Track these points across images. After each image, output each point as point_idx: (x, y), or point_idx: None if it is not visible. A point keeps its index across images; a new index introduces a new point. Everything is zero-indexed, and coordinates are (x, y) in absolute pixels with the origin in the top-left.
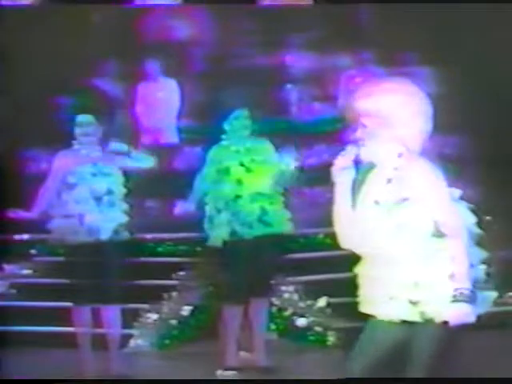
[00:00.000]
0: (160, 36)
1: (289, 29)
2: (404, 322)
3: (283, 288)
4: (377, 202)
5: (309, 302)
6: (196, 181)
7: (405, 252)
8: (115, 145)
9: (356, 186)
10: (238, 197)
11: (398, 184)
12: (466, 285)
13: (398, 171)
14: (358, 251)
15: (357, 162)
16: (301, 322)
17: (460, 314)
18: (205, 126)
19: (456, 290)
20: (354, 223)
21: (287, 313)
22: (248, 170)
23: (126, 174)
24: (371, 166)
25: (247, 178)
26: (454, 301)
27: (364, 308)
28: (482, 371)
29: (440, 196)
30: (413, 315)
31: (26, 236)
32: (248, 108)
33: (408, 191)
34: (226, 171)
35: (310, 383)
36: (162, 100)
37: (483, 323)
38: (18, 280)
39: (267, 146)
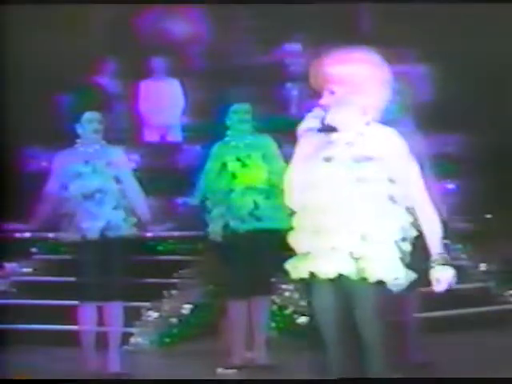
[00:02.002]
0: (163, 34)
1: (289, 27)
2: (342, 282)
3: (284, 286)
4: (327, 159)
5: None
6: (199, 178)
7: (356, 207)
8: None
9: (315, 147)
10: (231, 190)
11: (358, 147)
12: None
13: (362, 137)
14: (302, 205)
15: (321, 126)
16: (301, 320)
17: (447, 277)
18: (208, 124)
19: (438, 254)
20: (304, 178)
21: (288, 311)
22: (243, 164)
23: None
24: (333, 130)
25: (241, 172)
26: (440, 264)
27: (301, 266)
28: (482, 370)
29: (402, 166)
30: (351, 270)
31: (26, 234)
32: (247, 102)
33: (371, 152)
34: (224, 166)
35: (310, 383)
36: (167, 98)
37: (484, 321)
38: (18, 278)
39: (269, 142)
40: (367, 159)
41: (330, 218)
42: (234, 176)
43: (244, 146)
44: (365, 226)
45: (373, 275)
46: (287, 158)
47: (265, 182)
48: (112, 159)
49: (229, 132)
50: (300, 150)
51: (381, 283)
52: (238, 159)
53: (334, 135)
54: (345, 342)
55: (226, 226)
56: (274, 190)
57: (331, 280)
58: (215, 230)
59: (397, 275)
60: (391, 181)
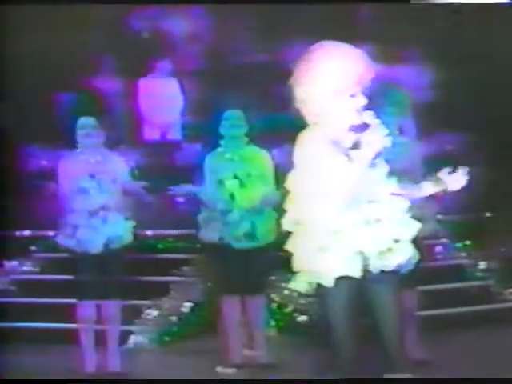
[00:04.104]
0: (163, 33)
1: (289, 26)
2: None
3: (283, 284)
4: (347, 158)
5: (309, 299)
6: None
7: (379, 201)
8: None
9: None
10: (228, 211)
11: (371, 143)
12: None
13: (371, 133)
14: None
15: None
16: (301, 318)
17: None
18: (207, 123)
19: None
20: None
21: (287, 309)
22: (241, 183)
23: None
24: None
25: (240, 193)
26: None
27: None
28: (482, 369)
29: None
30: (375, 264)
31: (26, 232)
32: (241, 108)
33: (381, 146)
34: (220, 183)
35: (310, 383)
36: (166, 97)
37: (483, 319)
38: (17, 276)
39: (263, 157)
40: (380, 154)
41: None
42: (232, 197)
43: (239, 160)
44: (389, 218)
45: (393, 262)
46: (288, 158)
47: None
48: (118, 175)
49: (222, 142)
50: (311, 153)
51: (396, 270)
52: (236, 177)
53: (343, 135)
54: (355, 341)
55: (221, 239)
56: (269, 209)
57: (350, 278)
58: (210, 239)
59: (410, 257)
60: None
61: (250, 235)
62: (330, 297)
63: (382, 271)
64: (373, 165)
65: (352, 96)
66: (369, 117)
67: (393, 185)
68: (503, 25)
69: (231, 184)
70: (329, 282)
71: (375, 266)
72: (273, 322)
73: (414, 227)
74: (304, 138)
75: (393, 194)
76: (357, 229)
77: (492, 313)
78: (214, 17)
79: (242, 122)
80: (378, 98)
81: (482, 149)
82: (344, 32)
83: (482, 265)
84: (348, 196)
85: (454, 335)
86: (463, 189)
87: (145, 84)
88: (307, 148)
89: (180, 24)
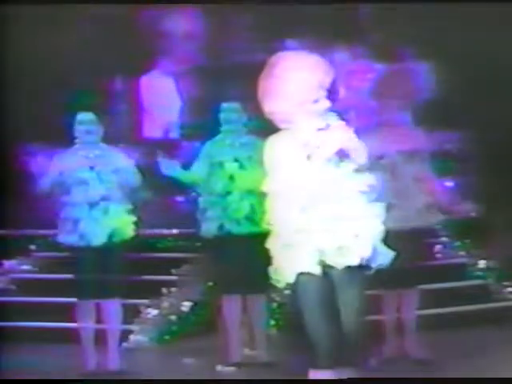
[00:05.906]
0: (163, 33)
1: (288, 26)
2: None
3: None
4: (309, 158)
5: None
6: (190, 170)
7: (344, 199)
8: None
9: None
10: (228, 193)
11: (335, 142)
12: None
13: (335, 133)
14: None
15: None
16: None
17: None
18: (204, 121)
19: None
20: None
21: (288, 309)
22: (241, 166)
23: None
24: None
25: (239, 175)
26: None
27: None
28: (482, 368)
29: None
30: (340, 261)
31: (25, 231)
32: (239, 101)
33: (346, 145)
34: (220, 165)
35: (310, 383)
36: (166, 96)
37: (483, 318)
38: (17, 275)
39: (263, 144)
40: (346, 154)
41: (318, 214)
42: (231, 178)
43: (240, 146)
44: (353, 218)
45: (352, 259)
46: None
47: (262, 186)
48: (118, 166)
49: (222, 130)
50: (278, 154)
51: (367, 266)
52: (236, 160)
53: (305, 138)
54: (331, 337)
55: (220, 227)
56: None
57: (315, 275)
58: (210, 230)
59: (375, 254)
60: (362, 170)
61: (250, 218)
62: (299, 293)
63: (349, 267)
64: (336, 163)
65: (315, 102)
66: (331, 119)
67: (358, 182)
68: (504, 22)
69: (231, 166)
70: (290, 279)
71: (334, 262)
72: (273, 322)
73: (377, 224)
74: (270, 142)
75: (358, 191)
76: (316, 226)
77: (491, 312)
78: (214, 16)
79: (239, 114)
80: (383, 89)
81: (481, 148)
82: (343, 32)
83: (482, 263)
84: (308, 194)
85: (453, 334)
86: (463, 188)
87: (145, 83)
88: (273, 151)
89: (180, 23)
